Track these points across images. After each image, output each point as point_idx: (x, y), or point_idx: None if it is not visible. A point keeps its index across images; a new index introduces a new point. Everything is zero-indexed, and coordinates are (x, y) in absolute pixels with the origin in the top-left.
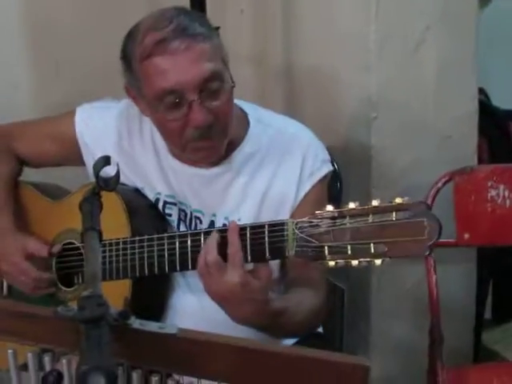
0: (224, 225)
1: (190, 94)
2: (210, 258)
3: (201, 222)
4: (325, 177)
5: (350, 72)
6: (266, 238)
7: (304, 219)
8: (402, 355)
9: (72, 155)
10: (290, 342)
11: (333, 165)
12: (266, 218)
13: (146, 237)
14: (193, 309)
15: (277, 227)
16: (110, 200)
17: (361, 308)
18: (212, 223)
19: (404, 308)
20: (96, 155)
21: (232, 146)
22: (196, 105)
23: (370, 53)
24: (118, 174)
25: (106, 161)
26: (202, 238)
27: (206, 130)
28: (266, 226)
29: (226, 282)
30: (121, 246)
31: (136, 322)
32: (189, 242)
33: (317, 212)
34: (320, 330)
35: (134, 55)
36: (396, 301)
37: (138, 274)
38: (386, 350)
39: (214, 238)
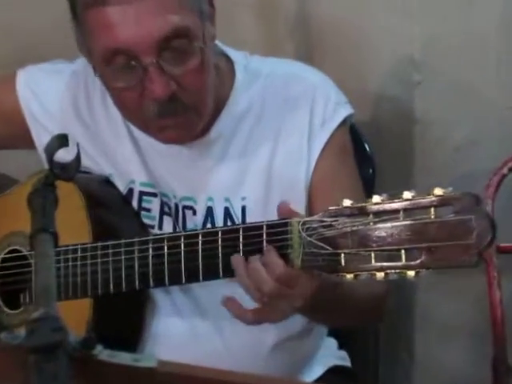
0: (226, 208)
1: (145, 56)
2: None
3: (194, 213)
4: (343, 122)
5: (385, 22)
6: (264, 244)
7: (314, 217)
8: None
9: (18, 132)
10: (310, 378)
11: (362, 144)
12: (277, 193)
13: (111, 242)
14: (180, 336)
15: (277, 228)
16: (64, 193)
17: (402, 333)
18: (210, 210)
19: (459, 332)
20: (48, 131)
21: (218, 107)
22: (153, 70)
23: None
24: (78, 158)
25: (61, 140)
26: (200, 239)
27: (169, 105)
28: (264, 227)
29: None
30: (79, 254)
31: (103, 353)
32: (182, 247)
33: (330, 208)
34: (347, 363)
35: (78, 2)
36: (448, 324)
37: (100, 291)
38: None
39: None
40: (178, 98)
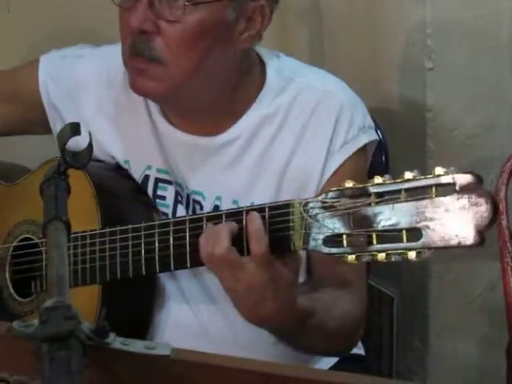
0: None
1: None
2: (218, 249)
3: (201, 208)
4: (363, 149)
5: (397, 8)
6: (267, 225)
7: (316, 198)
8: (470, 382)
9: (37, 118)
10: (322, 366)
11: (377, 133)
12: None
13: (119, 228)
14: (189, 323)
15: (279, 210)
16: (74, 181)
17: (416, 321)
18: (216, 208)
19: (472, 320)
20: (66, 120)
21: (242, 107)
22: (140, 3)
23: None
24: (90, 146)
25: (73, 129)
26: (205, 223)
27: (139, 42)
28: (266, 209)
29: (247, 277)
30: (88, 240)
31: (117, 341)
32: (187, 231)
33: (332, 189)
34: (360, 351)
35: None
36: (462, 311)
37: (108, 277)
38: (448, 374)
39: (227, 226)
40: (151, 42)
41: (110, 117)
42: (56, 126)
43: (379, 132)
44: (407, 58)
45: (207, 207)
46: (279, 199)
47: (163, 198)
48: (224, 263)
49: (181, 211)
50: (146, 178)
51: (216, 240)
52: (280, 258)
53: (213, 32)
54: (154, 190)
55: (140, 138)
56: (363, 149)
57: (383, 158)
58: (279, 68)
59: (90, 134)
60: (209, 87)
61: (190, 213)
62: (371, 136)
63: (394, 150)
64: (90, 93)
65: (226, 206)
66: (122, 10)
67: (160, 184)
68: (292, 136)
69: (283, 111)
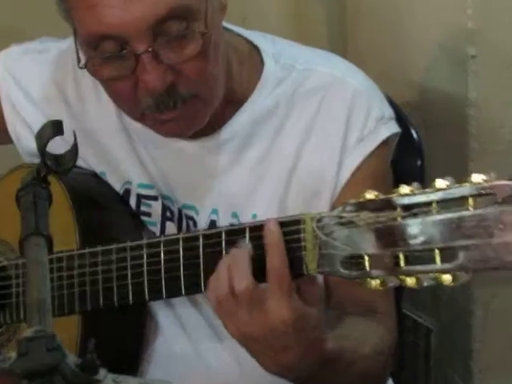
0: (231, 224)
1: (137, 43)
2: (244, 283)
3: (195, 224)
4: (383, 144)
5: None
6: None
7: (330, 212)
8: None
9: None
10: None
11: (409, 131)
12: (295, 211)
13: (101, 248)
14: (187, 354)
15: (288, 227)
16: None
17: (456, 355)
18: (213, 224)
19: None
20: (26, 121)
21: (237, 102)
22: (146, 59)
23: None
24: (75, 148)
25: (56, 128)
26: (201, 243)
27: (166, 97)
28: None
29: (268, 318)
30: (64, 263)
31: (108, 378)
32: (181, 252)
33: (350, 201)
34: None
35: None
36: (511, 344)
37: (88, 306)
38: None
39: (247, 249)
40: (177, 88)
41: (78, 122)
42: (16, 129)
43: (414, 130)
44: (444, 44)
45: (202, 222)
46: (286, 210)
47: (148, 214)
48: (245, 300)
49: (170, 229)
50: (127, 191)
51: (237, 271)
52: (299, 292)
53: (218, 30)
54: (138, 207)
55: (115, 149)
56: (384, 144)
57: (419, 162)
58: (277, 54)
59: (74, 134)
60: (221, 82)
61: (183, 230)
62: (392, 128)
63: (431, 152)
64: (53, 91)
65: (223, 220)
66: (109, 81)
67: (143, 200)
68: (297, 133)
69: (285, 104)
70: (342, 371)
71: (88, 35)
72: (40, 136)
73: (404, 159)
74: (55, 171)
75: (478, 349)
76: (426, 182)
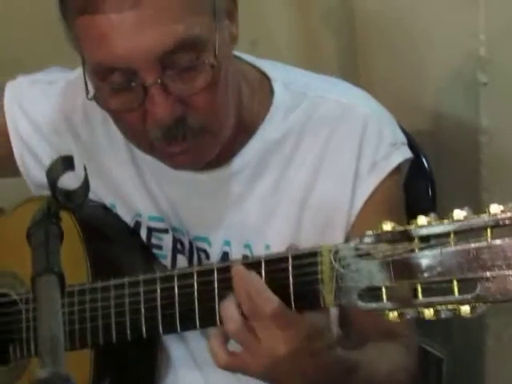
0: (245, 257)
1: (146, 74)
2: (270, 306)
3: (207, 257)
4: (396, 169)
5: (444, 11)
6: (291, 278)
7: (347, 244)
8: None
9: (2, 154)
10: None
11: (419, 159)
12: (309, 242)
13: (113, 282)
14: None
15: (305, 259)
16: None
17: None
18: (225, 256)
19: None
20: (34, 153)
21: (247, 132)
22: (155, 91)
23: None
24: (86, 183)
25: (67, 163)
26: (216, 277)
27: (176, 129)
28: (290, 259)
29: (285, 339)
30: (75, 298)
31: None
32: (195, 286)
33: (367, 233)
34: None
35: (69, 3)
36: None
37: (101, 340)
38: None
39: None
40: (187, 120)
41: (88, 154)
42: (24, 160)
43: (424, 160)
44: (456, 71)
45: (214, 255)
46: (299, 239)
47: (159, 247)
48: (272, 321)
49: (181, 262)
50: (138, 224)
51: (262, 296)
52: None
53: (229, 60)
54: (148, 239)
55: (124, 181)
56: (396, 170)
57: (429, 191)
58: (287, 81)
59: (85, 169)
60: (231, 113)
61: (195, 263)
62: (405, 153)
63: (442, 180)
64: (62, 124)
65: (236, 251)
66: (117, 112)
67: (155, 233)
68: (309, 161)
69: (296, 132)
70: (362, 380)
71: (96, 66)
72: (50, 172)
73: (415, 187)
74: (66, 207)
75: (490, 379)
76: (437, 210)
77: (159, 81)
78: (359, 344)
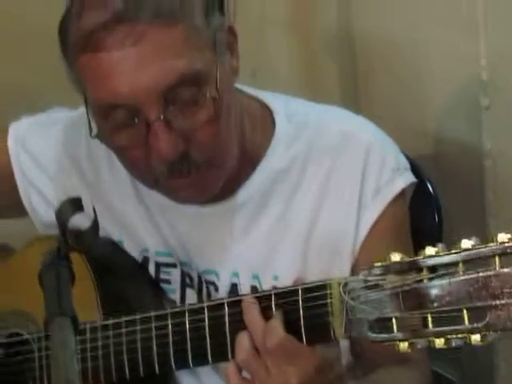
0: (254, 288)
1: (148, 111)
2: (276, 338)
3: (216, 289)
4: (400, 195)
5: (445, 37)
6: (301, 312)
7: (356, 277)
8: None
9: (5, 197)
10: None
11: (424, 185)
12: (316, 271)
13: (124, 319)
14: None
15: (315, 293)
16: None
17: None
18: (234, 288)
19: None
20: (42, 193)
21: (251, 163)
22: (158, 127)
23: (477, 9)
24: (95, 225)
25: (75, 205)
26: (227, 312)
27: (180, 164)
28: (300, 292)
29: (294, 371)
30: (88, 335)
31: None
32: (206, 320)
33: (375, 264)
34: None
35: (70, 41)
36: None
37: (114, 377)
38: None
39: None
40: (190, 155)
41: (93, 191)
42: (31, 200)
43: (429, 185)
44: (459, 94)
45: (223, 287)
46: (307, 269)
47: (167, 282)
48: (279, 354)
49: (190, 296)
50: (146, 259)
51: (268, 329)
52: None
53: (230, 93)
54: (157, 274)
55: (130, 218)
56: (401, 195)
57: (435, 216)
58: (289, 113)
59: (94, 210)
60: (234, 146)
61: (204, 297)
62: (408, 178)
63: (447, 205)
64: (67, 163)
65: (245, 282)
66: (120, 149)
67: (163, 268)
68: (313, 191)
69: (299, 163)
70: None
71: (99, 104)
72: (60, 214)
73: (420, 212)
74: (77, 249)
75: None
76: (443, 234)
77: (162, 117)
78: (371, 370)
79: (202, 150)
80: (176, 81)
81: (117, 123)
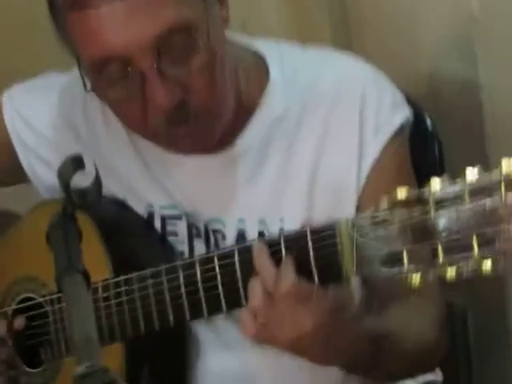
0: (261, 233)
1: (141, 61)
2: (288, 283)
3: (223, 237)
4: (401, 129)
5: None
6: (311, 253)
7: (364, 214)
8: None
9: (4, 164)
10: None
11: (423, 122)
12: (321, 212)
13: (135, 274)
14: (234, 374)
15: (323, 233)
16: None
17: (495, 335)
18: (241, 234)
19: None
20: (42, 157)
21: (247, 112)
22: (152, 76)
23: None
24: (98, 181)
25: (76, 162)
26: (237, 258)
27: (177, 112)
28: (309, 234)
29: (308, 314)
30: (100, 293)
31: None
32: (217, 270)
33: (382, 200)
34: (438, 377)
35: (58, 2)
36: None
37: (130, 332)
38: None
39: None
40: (188, 103)
41: (92, 152)
42: (34, 168)
43: (428, 121)
44: (451, 33)
45: (230, 235)
46: (313, 209)
47: (175, 234)
48: (292, 298)
49: (199, 246)
50: (151, 215)
51: (280, 274)
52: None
53: (222, 42)
54: (163, 228)
55: (131, 174)
56: (400, 130)
57: (436, 152)
58: (282, 60)
59: (95, 167)
60: (230, 95)
61: (212, 246)
62: (406, 113)
63: (446, 140)
64: (63, 125)
65: (251, 228)
66: (117, 102)
67: (169, 221)
68: (314, 133)
69: (297, 109)
70: (388, 352)
71: (91, 59)
72: (61, 173)
73: (420, 149)
74: (82, 207)
75: None
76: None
77: (155, 65)
78: (384, 306)
79: (199, 98)
80: (166, 29)
81: (111, 77)
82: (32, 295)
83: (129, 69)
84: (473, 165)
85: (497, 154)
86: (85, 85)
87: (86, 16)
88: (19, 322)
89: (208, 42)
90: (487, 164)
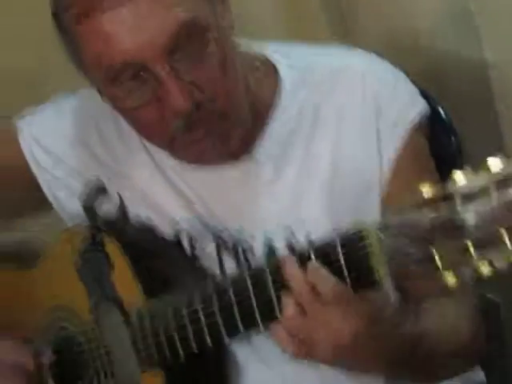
0: (288, 241)
1: (155, 63)
2: (329, 284)
3: (251, 249)
4: (418, 124)
5: None
6: (342, 259)
7: (391, 213)
8: None
9: (30, 190)
10: None
11: (434, 109)
12: (344, 211)
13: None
14: None
15: (352, 236)
16: None
17: None
18: (268, 244)
19: None
20: (66, 183)
21: (261, 117)
22: (167, 78)
23: None
24: (122, 206)
25: (98, 188)
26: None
27: (196, 114)
28: (338, 239)
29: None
30: (135, 321)
31: None
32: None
33: (407, 198)
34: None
35: (66, 10)
36: None
37: (168, 357)
38: None
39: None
40: (204, 105)
41: (111, 172)
42: (53, 193)
43: (442, 112)
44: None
45: (258, 245)
46: (336, 212)
47: (203, 251)
48: (331, 303)
49: (228, 260)
50: (177, 233)
51: (320, 277)
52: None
53: (232, 45)
54: (191, 246)
55: (152, 189)
56: (418, 124)
57: (453, 144)
58: (290, 60)
59: (119, 195)
60: (245, 99)
61: (240, 258)
62: (422, 107)
63: (457, 123)
64: (80, 148)
65: (277, 236)
66: (133, 110)
67: (196, 237)
68: (330, 132)
69: (310, 109)
70: (428, 350)
71: (105, 69)
72: (85, 200)
73: (437, 142)
74: (110, 233)
75: None
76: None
77: (169, 68)
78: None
79: (215, 99)
80: (177, 29)
81: (126, 86)
82: (65, 324)
83: (141, 73)
84: (486, 146)
85: (510, 133)
86: (101, 94)
87: (95, 25)
88: (47, 356)
89: (220, 41)
90: (501, 143)
